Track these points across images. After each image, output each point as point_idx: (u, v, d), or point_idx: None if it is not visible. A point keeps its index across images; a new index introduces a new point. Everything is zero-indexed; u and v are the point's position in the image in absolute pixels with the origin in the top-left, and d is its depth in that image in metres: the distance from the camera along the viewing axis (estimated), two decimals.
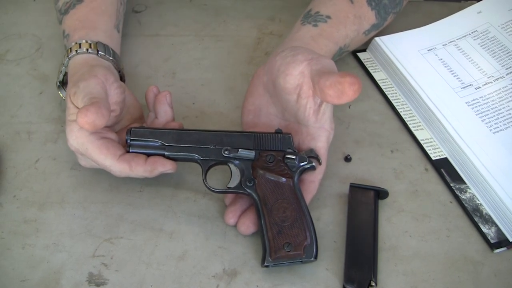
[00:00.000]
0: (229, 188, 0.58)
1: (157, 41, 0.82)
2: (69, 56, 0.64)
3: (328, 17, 0.69)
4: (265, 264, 0.54)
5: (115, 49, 0.68)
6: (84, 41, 0.65)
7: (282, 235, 0.55)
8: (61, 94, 0.69)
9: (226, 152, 0.59)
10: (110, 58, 0.66)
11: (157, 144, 0.59)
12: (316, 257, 0.54)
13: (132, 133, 0.59)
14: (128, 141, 0.59)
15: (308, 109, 0.59)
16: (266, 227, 0.55)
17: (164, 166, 0.58)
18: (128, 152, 0.59)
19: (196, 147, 0.59)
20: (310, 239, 0.55)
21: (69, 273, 0.56)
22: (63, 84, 0.68)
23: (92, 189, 0.63)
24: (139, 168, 0.57)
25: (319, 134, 0.60)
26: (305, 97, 0.59)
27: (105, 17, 0.71)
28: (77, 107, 0.57)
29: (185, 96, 0.74)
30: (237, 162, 0.59)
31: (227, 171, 0.60)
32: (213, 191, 0.59)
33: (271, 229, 0.55)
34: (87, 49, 0.64)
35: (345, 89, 0.53)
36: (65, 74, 0.67)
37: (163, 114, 0.63)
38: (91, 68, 0.61)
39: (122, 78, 0.69)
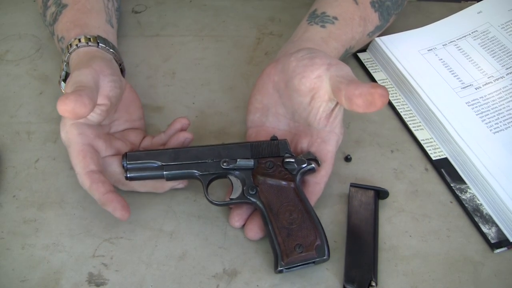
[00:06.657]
0: (232, 199, 0.58)
1: (157, 41, 0.82)
2: (69, 51, 0.64)
3: (335, 18, 0.69)
4: (278, 269, 0.54)
5: (112, 42, 0.67)
6: (83, 36, 0.64)
7: (291, 238, 0.54)
8: (63, 91, 0.67)
9: (224, 164, 0.58)
10: (111, 50, 0.65)
11: (155, 165, 0.58)
12: (329, 256, 0.54)
13: (128, 157, 0.58)
14: (125, 165, 0.58)
15: (320, 113, 0.59)
16: (274, 232, 0.55)
17: (114, 212, 0.56)
18: (126, 178, 0.58)
19: (194, 163, 0.58)
20: (320, 238, 0.54)
21: (69, 273, 0.56)
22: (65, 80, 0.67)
23: None
24: (96, 194, 0.56)
25: (329, 138, 0.60)
26: (320, 100, 0.59)
27: (93, 14, 0.70)
28: None
29: (185, 96, 0.74)
30: (237, 172, 0.58)
31: (227, 184, 0.60)
32: (217, 204, 0.59)
33: (280, 233, 0.55)
34: (87, 42, 0.63)
35: (375, 100, 0.53)
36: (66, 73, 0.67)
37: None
38: (90, 59, 0.61)
39: (122, 72, 0.69)
